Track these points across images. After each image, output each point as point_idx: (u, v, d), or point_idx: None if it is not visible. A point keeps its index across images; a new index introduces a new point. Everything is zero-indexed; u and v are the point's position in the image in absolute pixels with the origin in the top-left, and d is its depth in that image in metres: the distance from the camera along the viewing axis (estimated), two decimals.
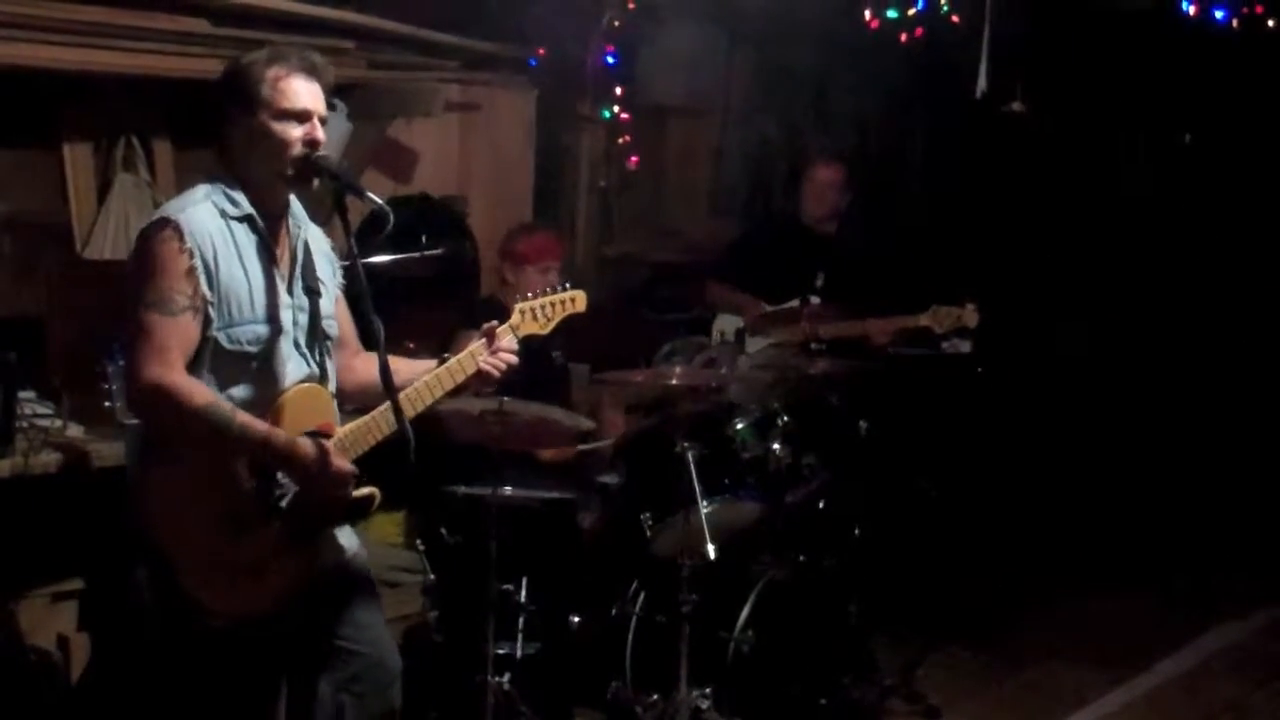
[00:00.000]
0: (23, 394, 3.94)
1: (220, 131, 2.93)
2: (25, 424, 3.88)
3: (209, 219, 2.85)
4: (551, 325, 3.43)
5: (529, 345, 3.39)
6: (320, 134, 2.91)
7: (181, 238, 2.79)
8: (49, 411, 4.04)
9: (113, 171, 4.47)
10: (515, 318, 3.34)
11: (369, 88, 4.99)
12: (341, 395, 3.15)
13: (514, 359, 3.26)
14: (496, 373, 3.23)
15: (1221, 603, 5.73)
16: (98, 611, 4.04)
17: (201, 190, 2.90)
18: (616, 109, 6.14)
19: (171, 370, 2.76)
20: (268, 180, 2.91)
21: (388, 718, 3.21)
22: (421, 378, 3.13)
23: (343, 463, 2.89)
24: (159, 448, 2.86)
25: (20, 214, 4.35)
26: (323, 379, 3.02)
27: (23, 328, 4.19)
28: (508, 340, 3.27)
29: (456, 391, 3.25)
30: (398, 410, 2.82)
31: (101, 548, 3.84)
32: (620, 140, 6.27)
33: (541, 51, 5.74)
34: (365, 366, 3.14)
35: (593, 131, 6.30)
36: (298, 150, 2.87)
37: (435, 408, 3.21)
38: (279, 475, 2.89)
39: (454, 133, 5.61)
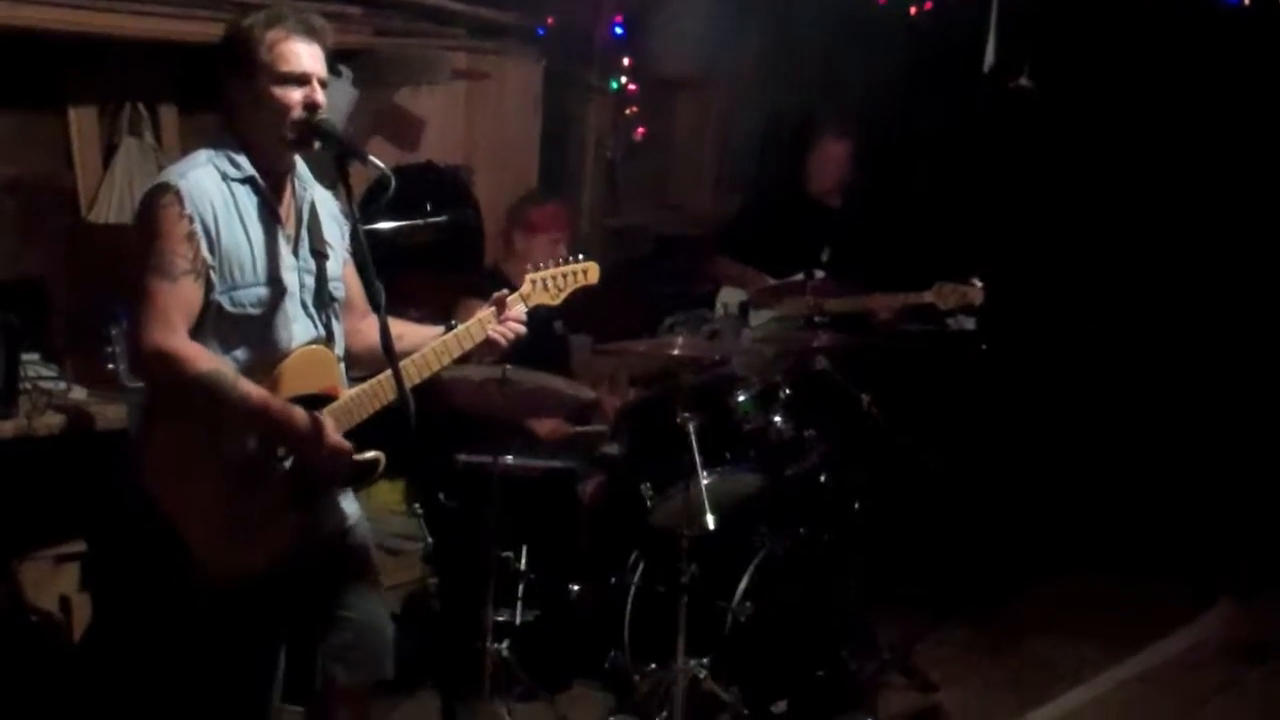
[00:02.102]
0: (27, 356, 3.95)
1: (222, 95, 2.93)
2: (29, 386, 3.91)
3: (210, 183, 2.85)
4: (562, 296, 3.40)
5: (531, 315, 3.38)
6: (320, 96, 2.90)
7: (181, 202, 2.80)
8: (53, 374, 4.07)
9: (118, 136, 4.46)
10: (526, 287, 3.31)
11: (375, 55, 4.97)
12: (351, 358, 3.15)
13: (522, 328, 3.25)
14: (504, 342, 3.22)
15: (1221, 583, 5.73)
16: (100, 573, 4.06)
17: (203, 154, 2.90)
18: (624, 80, 6.12)
19: (173, 334, 2.77)
20: (269, 143, 2.91)
21: (378, 687, 3.23)
22: (429, 344, 3.12)
23: (338, 439, 2.88)
24: (162, 408, 2.87)
25: (25, 177, 4.35)
26: (329, 341, 3.02)
27: (27, 290, 4.21)
28: (517, 309, 3.26)
29: (464, 359, 3.24)
30: (399, 377, 2.82)
31: (104, 509, 3.86)
32: (627, 112, 6.25)
33: (550, 21, 5.72)
34: (374, 329, 3.11)
35: (600, 102, 6.28)
36: (298, 114, 2.87)
37: (438, 374, 3.21)
38: None
39: (460, 101, 5.59)
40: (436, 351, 3.12)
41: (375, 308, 2.86)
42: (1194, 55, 6.61)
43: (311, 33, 2.91)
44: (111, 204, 4.40)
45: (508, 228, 4.89)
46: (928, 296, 5.16)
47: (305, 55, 2.89)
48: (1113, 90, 6.82)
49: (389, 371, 2.89)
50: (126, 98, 4.46)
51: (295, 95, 2.87)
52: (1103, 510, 6.33)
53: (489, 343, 3.21)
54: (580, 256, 3.45)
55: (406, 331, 3.16)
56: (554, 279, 3.37)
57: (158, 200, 2.81)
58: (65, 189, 4.39)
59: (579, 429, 4.86)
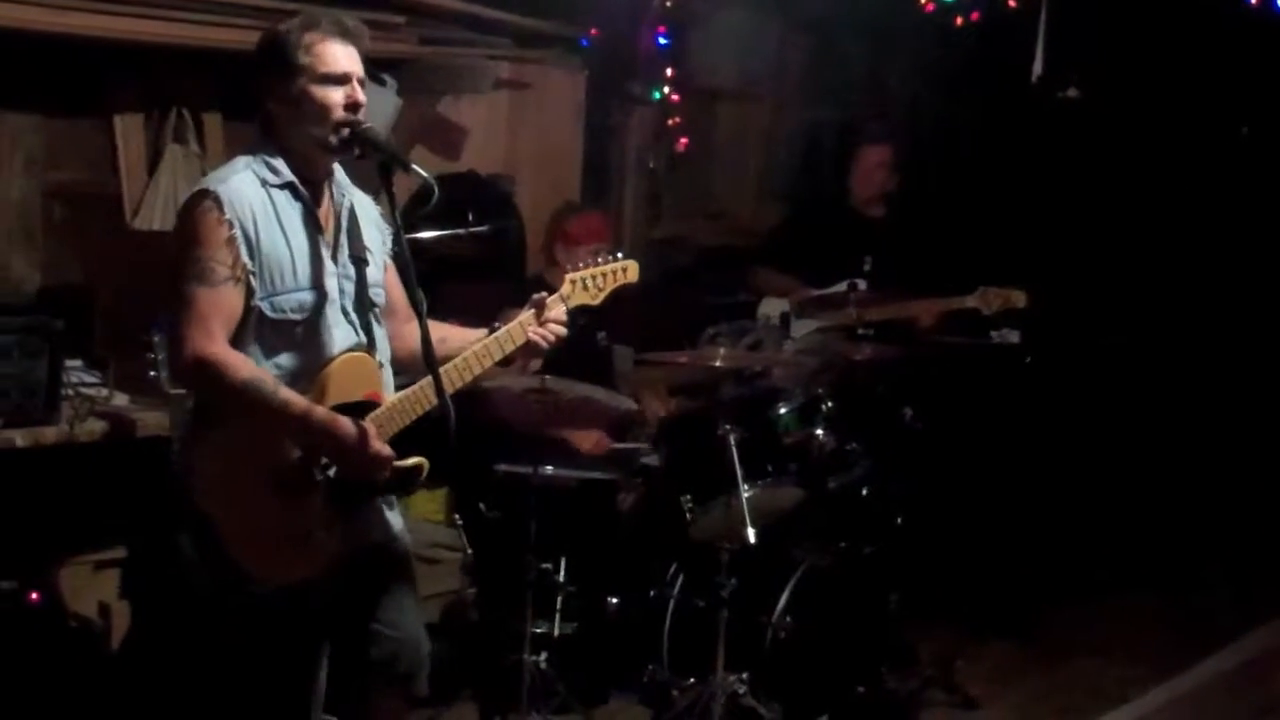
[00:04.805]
0: (70, 362, 3.97)
1: (261, 102, 2.93)
2: (72, 392, 3.92)
3: (249, 188, 2.85)
4: (603, 296, 3.35)
5: (574, 325, 3.35)
6: (361, 95, 2.90)
7: (221, 208, 2.80)
8: (96, 380, 4.08)
9: (163, 143, 4.48)
10: (566, 288, 3.27)
11: (419, 64, 4.98)
12: (394, 363, 3.13)
13: (563, 330, 3.21)
14: (545, 344, 3.18)
15: (1267, 602, 5.64)
16: (139, 580, 4.07)
17: (242, 161, 2.91)
18: (667, 90, 6.10)
19: (213, 342, 2.76)
20: (309, 147, 2.91)
21: (412, 702, 3.22)
22: (470, 348, 3.10)
23: (381, 446, 2.86)
24: (207, 415, 2.87)
25: (70, 183, 4.38)
26: (371, 347, 3.00)
27: (71, 297, 4.23)
28: (558, 311, 3.22)
29: (506, 363, 3.21)
30: (439, 385, 2.81)
31: (145, 517, 3.87)
32: (670, 122, 6.23)
33: (593, 31, 5.72)
34: (416, 335, 3.07)
35: (643, 113, 6.26)
36: (340, 115, 2.87)
37: (479, 384, 3.19)
38: None
39: (503, 111, 5.60)
40: (478, 355, 3.09)
41: (417, 315, 2.84)
42: (1244, 65, 6.54)
43: (347, 34, 2.92)
44: (156, 211, 4.42)
45: (549, 239, 4.88)
46: (971, 301, 5.13)
47: (343, 55, 2.89)
48: (1161, 101, 6.75)
49: (430, 378, 2.88)
50: (171, 105, 4.48)
51: (336, 95, 2.87)
52: (1149, 525, 6.26)
53: (530, 346, 3.17)
54: (619, 255, 3.40)
55: (450, 334, 3.15)
56: (593, 278, 3.32)
57: (197, 207, 2.82)
58: (110, 196, 4.41)
59: (620, 445, 4.83)
